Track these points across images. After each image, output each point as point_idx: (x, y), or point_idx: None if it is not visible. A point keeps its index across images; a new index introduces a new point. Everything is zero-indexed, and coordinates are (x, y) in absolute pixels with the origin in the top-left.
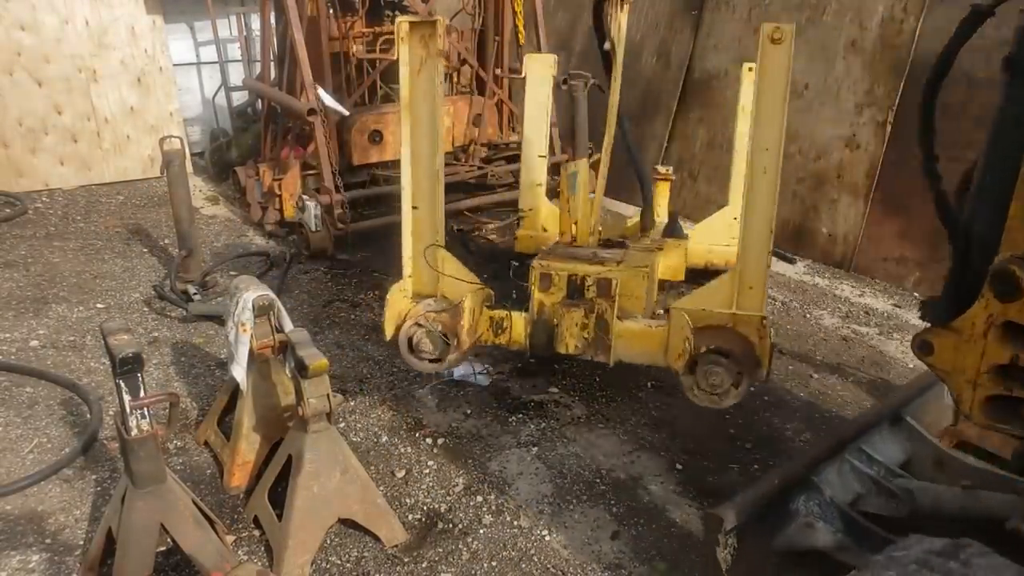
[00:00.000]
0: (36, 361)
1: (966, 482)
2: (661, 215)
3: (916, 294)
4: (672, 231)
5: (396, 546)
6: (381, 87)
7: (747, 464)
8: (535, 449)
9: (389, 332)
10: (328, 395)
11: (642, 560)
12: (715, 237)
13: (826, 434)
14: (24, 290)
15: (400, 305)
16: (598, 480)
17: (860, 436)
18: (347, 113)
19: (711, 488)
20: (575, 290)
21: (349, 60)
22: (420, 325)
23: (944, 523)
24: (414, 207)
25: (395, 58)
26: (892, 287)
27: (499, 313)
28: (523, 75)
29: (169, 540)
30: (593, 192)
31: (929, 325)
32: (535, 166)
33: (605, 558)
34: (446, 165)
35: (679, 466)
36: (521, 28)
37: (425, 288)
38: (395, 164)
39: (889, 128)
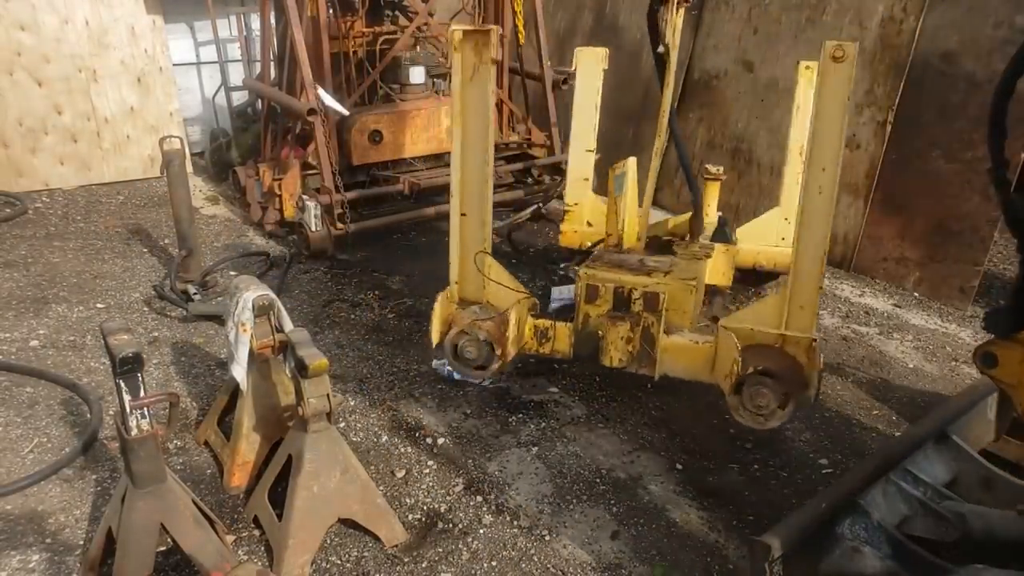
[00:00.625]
0: (36, 361)
1: (1022, 506)
2: (711, 216)
3: (916, 294)
4: (721, 236)
5: (396, 546)
6: (381, 87)
7: (747, 464)
8: (535, 449)
9: (435, 338)
10: (328, 395)
11: (642, 560)
12: (764, 238)
13: (870, 454)
14: (24, 290)
15: (446, 310)
16: (598, 480)
17: (905, 456)
18: (347, 113)
19: (711, 488)
20: (621, 302)
21: (349, 60)
22: (466, 333)
23: (997, 549)
24: (463, 214)
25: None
26: (892, 287)
27: (543, 322)
28: (573, 69)
29: (169, 540)
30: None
31: (992, 337)
32: (582, 160)
33: (605, 558)
34: (441, 167)
35: (679, 466)
36: (521, 28)
37: (471, 294)
38: (395, 164)
39: (889, 128)
